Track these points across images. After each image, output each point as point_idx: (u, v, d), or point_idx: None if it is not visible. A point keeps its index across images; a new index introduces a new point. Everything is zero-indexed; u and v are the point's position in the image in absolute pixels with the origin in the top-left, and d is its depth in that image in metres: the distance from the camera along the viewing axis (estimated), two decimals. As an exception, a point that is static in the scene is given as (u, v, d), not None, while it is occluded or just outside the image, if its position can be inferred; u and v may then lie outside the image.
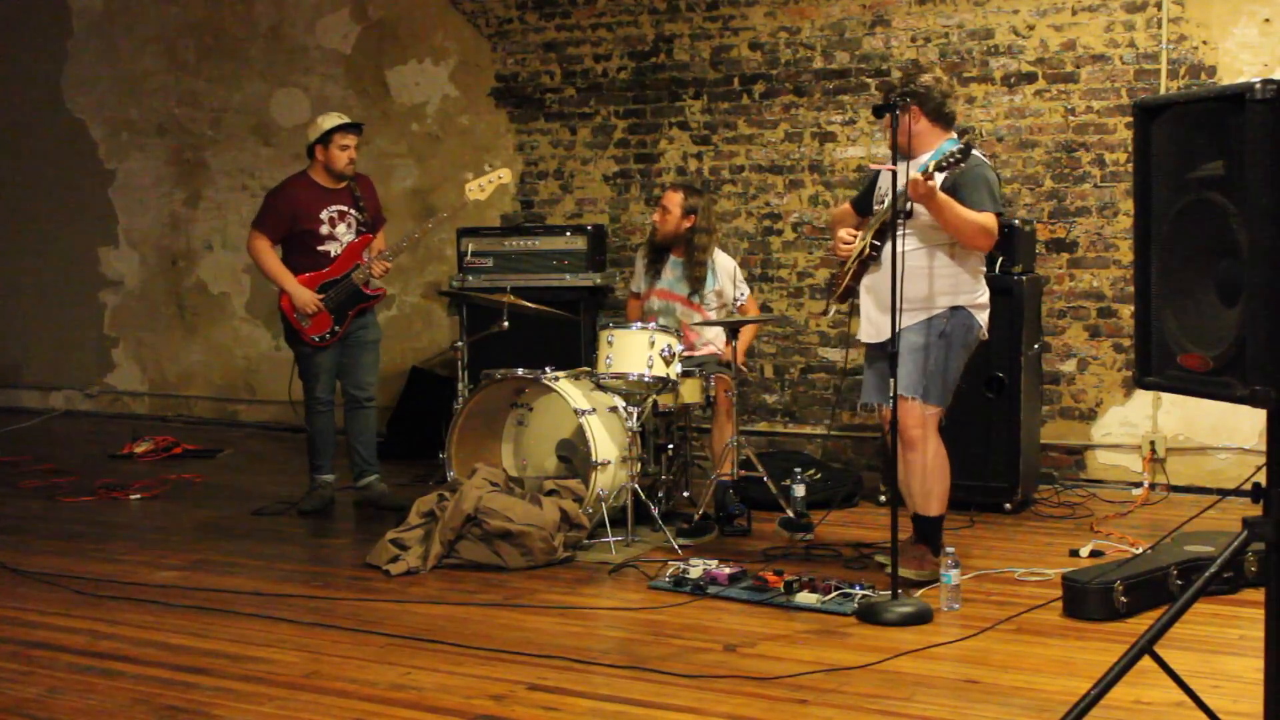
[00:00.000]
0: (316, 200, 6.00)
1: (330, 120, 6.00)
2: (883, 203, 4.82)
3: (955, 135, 4.85)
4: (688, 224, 6.02)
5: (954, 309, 4.74)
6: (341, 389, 6.21)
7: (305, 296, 5.96)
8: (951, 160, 4.51)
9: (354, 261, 6.00)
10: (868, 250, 4.81)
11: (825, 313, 5.29)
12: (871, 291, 4.85)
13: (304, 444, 6.43)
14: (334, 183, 6.03)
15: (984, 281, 4.86)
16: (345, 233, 6.04)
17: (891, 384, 4.49)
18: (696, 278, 6.01)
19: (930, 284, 4.71)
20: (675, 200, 6.04)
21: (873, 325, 4.84)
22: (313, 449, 6.21)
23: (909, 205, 4.62)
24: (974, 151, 4.74)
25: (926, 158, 4.68)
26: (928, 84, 4.80)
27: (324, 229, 6.00)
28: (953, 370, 4.77)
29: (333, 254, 6.02)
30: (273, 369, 8.73)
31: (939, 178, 4.53)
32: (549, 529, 5.07)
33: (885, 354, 4.72)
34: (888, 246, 4.71)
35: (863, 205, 5.06)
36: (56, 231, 9.42)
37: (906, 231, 4.68)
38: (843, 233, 4.95)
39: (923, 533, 4.82)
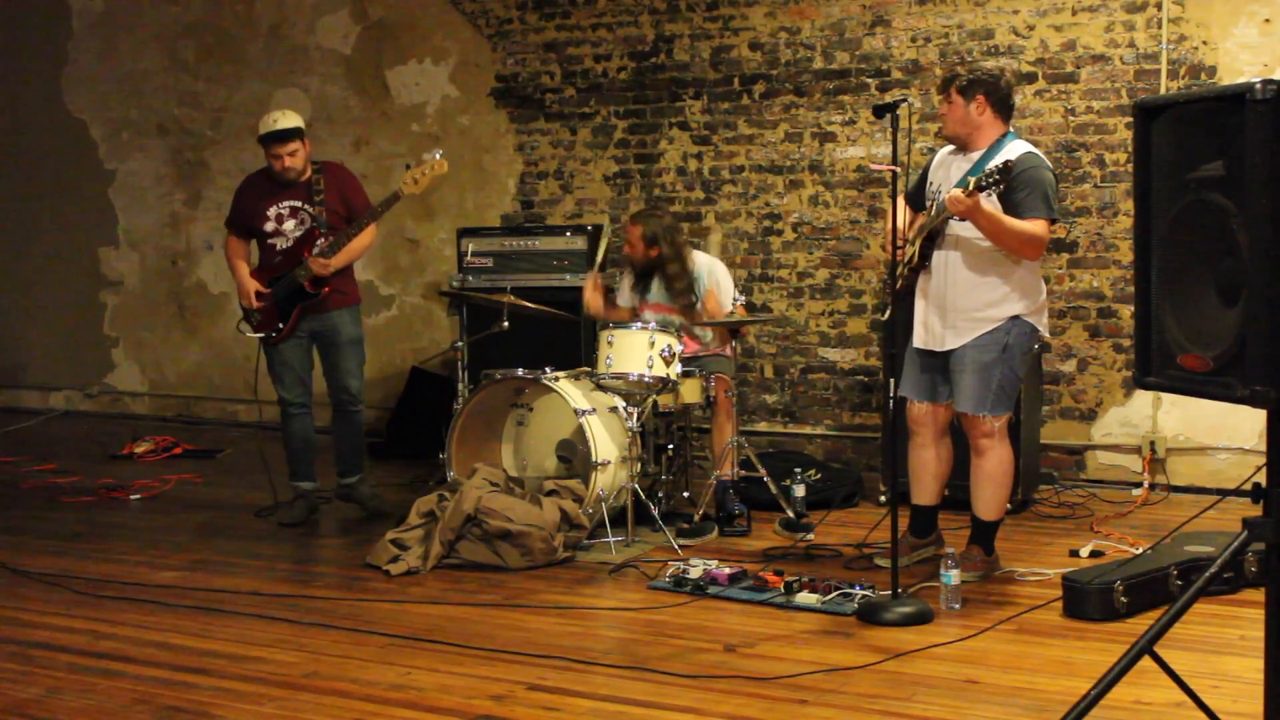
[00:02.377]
0: (264, 196, 5.89)
1: (264, 125, 5.80)
2: (934, 200, 4.72)
3: (1012, 129, 4.77)
4: (654, 253, 6.02)
5: (1014, 319, 4.66)
6: (328, 393, 6.07)
7: (245, 288, 5.89)
8: (992, 180, 4.34)
9: (298, 258, 5.82)
10: (916, 259, 4.73)
11: (885, 316, 5.20)
12: (927, 297, 4.76)
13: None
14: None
15: (1041, 283, 4.77)
16: (294, 229, 5.87)
17: (892, 384, 4.49)
18: (686, 304, 6.00)
19: (986, 292, 4.64)
20: (635, 234, 6.04)
21: (929, 332, 4.75)
22: (287, 454, 6.07)
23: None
24: (1033, 150, 4.66)
25: (977, 155, 4.64)
26: (995, 72, 4.70)
27: (269, 225, 5.88)
28: (1017, 380, 4.74)
29: (278, 248, 5.89)
30: (273, 369, 8.73)
31: (981, 196, 4.40)
32: (549, 529, 5.07)
33: (939, 361, 4.73)
34: (937, 252, 4.69)
35: (916, 200, 4.91)
36: (56, 231, 9.42)
37: (956, 236, 4.64)
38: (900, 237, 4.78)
39: (978, 534, 4.86)
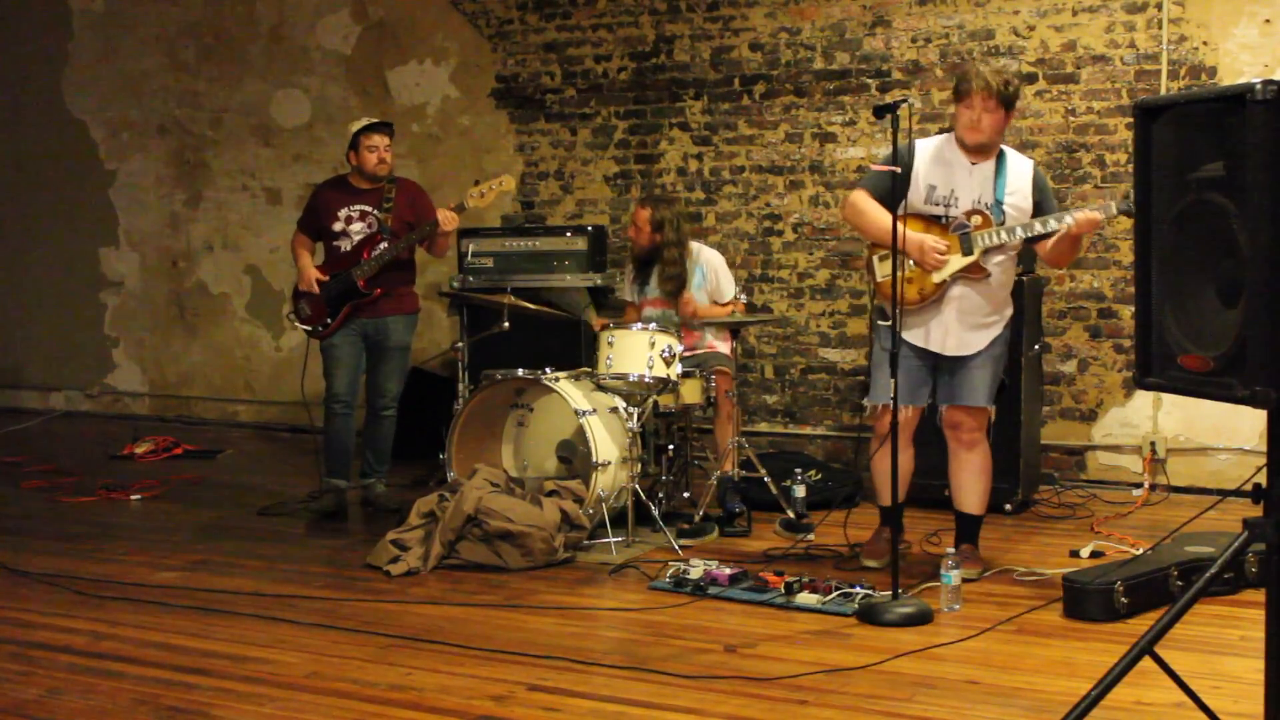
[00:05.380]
0: (340, 199, 6.08)
1: (356, 124, 6.06)
2: (949, 205, 4.69)
3: None
4: (659, 238, 6.03)
5: (1012, 316, 4.89)
6: (366, 394, 6.23)
7: (306, 273, 6.06)
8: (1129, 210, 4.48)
9: (357, 259, 6.01)
10: (982, 270, 4.68)
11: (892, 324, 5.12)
12: (957, 302, 4.70)
13: (304, 444, 6.41)
14: (366, 184, 6.06)
15: None
16: (359, 231, 6.05)
17: (893, 385, 4.45)
18: (670, 291, 6.01)
19: (1003, 295, 4.81)
20: (643, 217, 6.06)
21: (954, 338, 4.72)
22: (326, 452, 6.20)
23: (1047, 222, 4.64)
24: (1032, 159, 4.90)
25: (989, 164, 4.69)
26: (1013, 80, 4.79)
27: (338, 225, 6.06)
28: None
29: (342, 249, 6.06)
30: (273, 370, 8.74)
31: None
32: (549, 529, 5.07)
33: (934, 363, 4.74)
34: (990, 261, 4.72)
35: (898, 196, 4.65)
36: (56, 231, 9.42)
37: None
38: (935, 242, 4.66)
39: (970, 531, 4.93)
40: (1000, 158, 4.73)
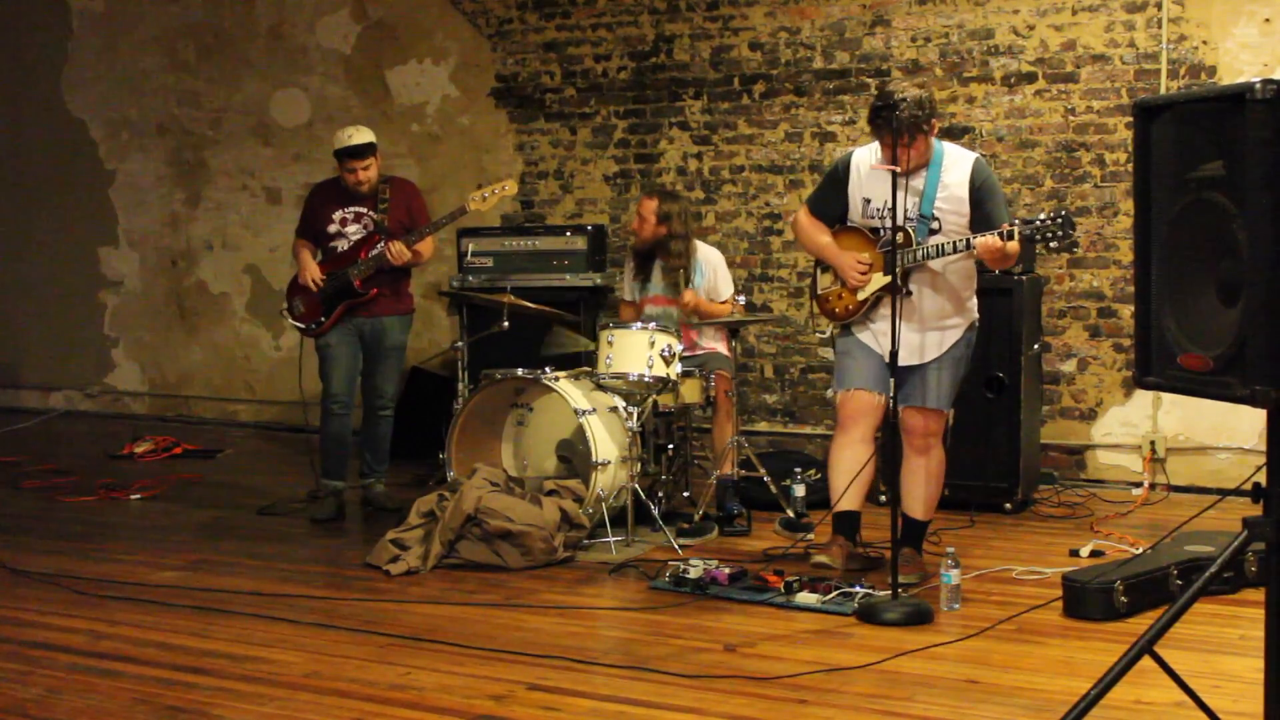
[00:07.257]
0: (333, 202, 6.08)
1: (339, 141, 6.01)
2: (878, 217, 4.63)
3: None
4: (663, 230, 6.01)
5: (974, 322, 4.76)
6: (362, 394, 6.23)
7: (307, 266, 6.04)
8: (1045, 235, 4.30)
9: (354, 259, 6.01)
10: (904, 290, 4.56)
11: (823, 333, 5.07)
12: (902, 315, 4.55)
13: (304, 444, 6.41)
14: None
15: None
16: (356, 232, 6.06)
17: (891, 385, 4.43)
18: (675, 283, 6.02)
19: (956, 301, 4.68)
20: (650, 208, 6.04)
21: (908, 349, 4.56)
22: (322, 453, 6.21)
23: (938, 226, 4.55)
24: (969, 152, 4.69)
25: (921, 172, 4.55)
26: (930, 94, 4.60)
27: (332, 227, 6.06)
28: None
29: (339, 250, 6.05)
30: (273, 369, 8.73)
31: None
32: (549, 529, 5.07)
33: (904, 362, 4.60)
34: (914, 275, 4.61)
35: (837, 212, 4.79)
36: (56, 231, 9.42)
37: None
38: (855, 260, 4.69)
39: (913, 536, 4.83)
40: (937, 162, 4.56)
